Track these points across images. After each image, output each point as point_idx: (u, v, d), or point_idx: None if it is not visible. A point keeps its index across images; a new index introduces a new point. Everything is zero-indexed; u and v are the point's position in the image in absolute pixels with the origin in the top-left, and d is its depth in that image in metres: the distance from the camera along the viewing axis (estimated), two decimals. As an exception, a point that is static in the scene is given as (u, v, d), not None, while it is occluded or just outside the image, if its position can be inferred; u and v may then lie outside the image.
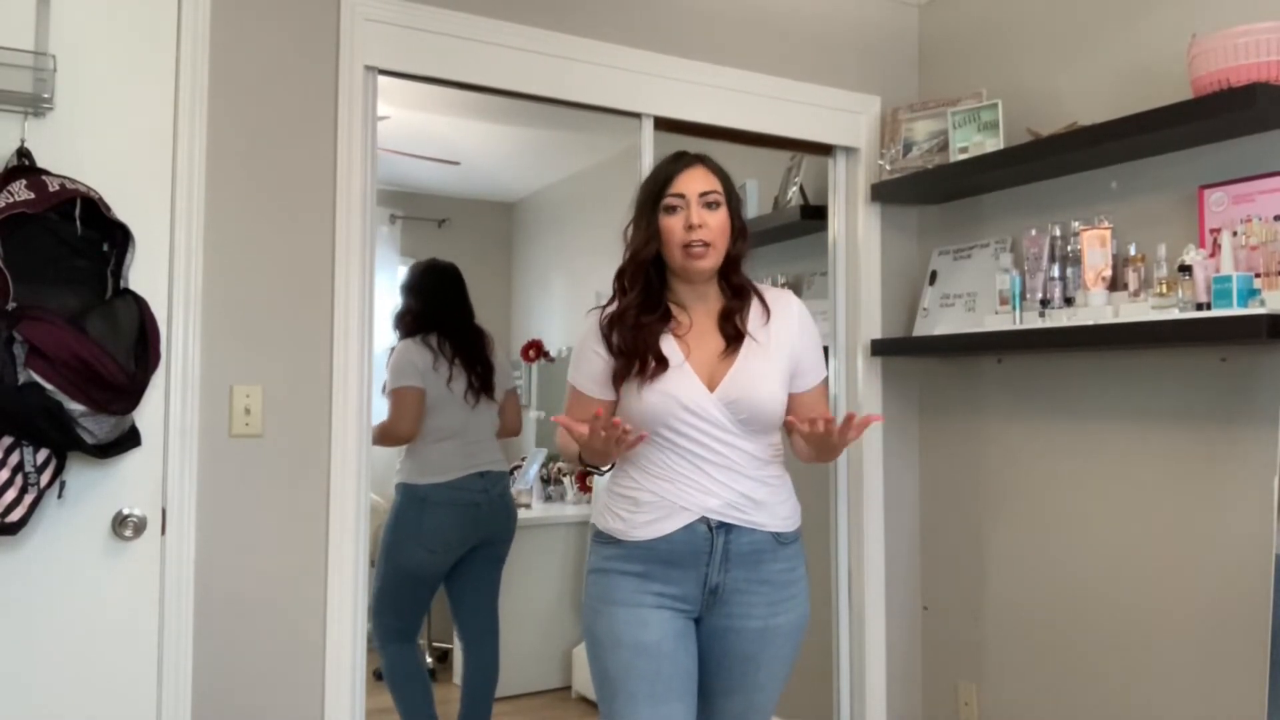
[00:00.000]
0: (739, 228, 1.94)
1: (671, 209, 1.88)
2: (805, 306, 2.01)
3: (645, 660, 1.82)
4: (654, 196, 1.90)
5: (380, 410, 3.06)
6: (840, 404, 3.08)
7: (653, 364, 1.86)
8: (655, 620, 1.84)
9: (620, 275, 1.95)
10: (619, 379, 1.90)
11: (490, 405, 3.23)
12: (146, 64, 2.11)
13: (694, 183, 1.89)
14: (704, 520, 1.85)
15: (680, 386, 1.86)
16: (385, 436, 3.06)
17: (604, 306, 1.96)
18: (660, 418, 1.85)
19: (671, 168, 1.92)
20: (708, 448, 1.86)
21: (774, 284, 2.05)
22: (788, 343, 1.94)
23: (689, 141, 2.73)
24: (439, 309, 3.19)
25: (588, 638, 1.92)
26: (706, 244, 1.87)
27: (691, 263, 1.87)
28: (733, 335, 1.92)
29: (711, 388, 1.87)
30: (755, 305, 1.96)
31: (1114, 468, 2.58)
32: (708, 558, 1.85)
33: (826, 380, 2.04)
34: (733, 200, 1.94)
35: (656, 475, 1.87)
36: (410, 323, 3.20)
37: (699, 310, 1.94)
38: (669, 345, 1.89)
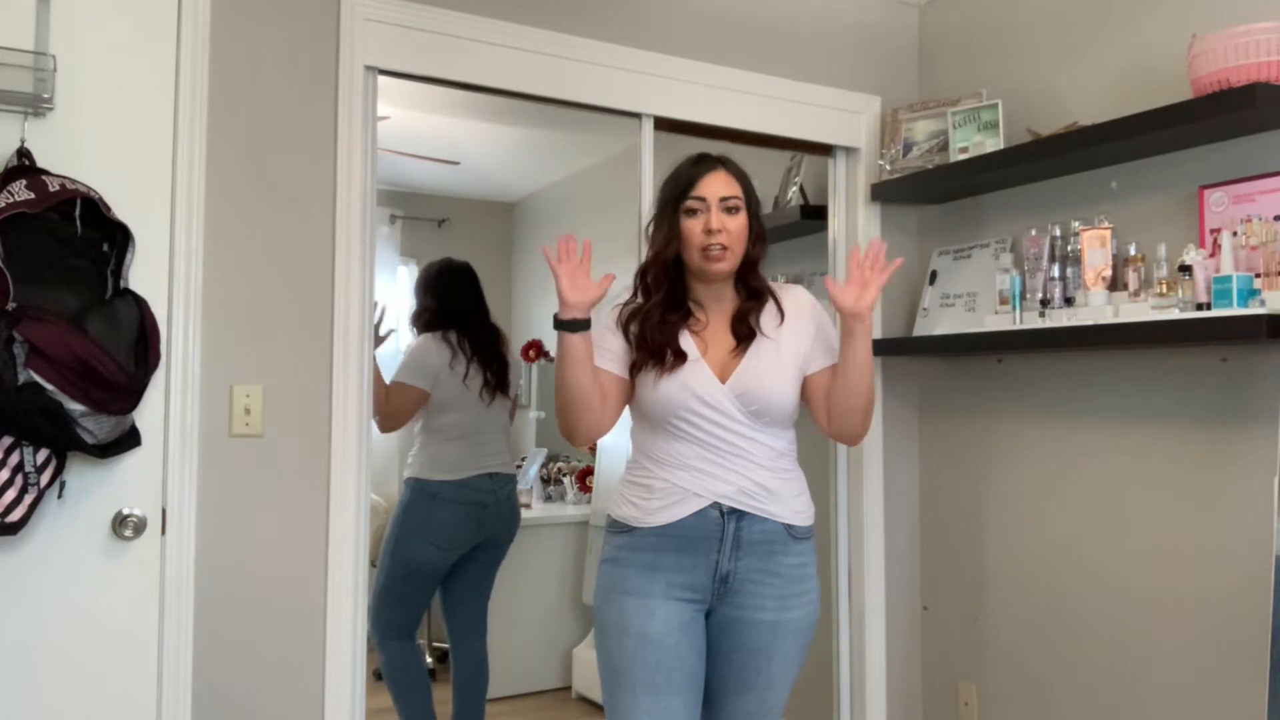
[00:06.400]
0: (757, 231, 1.98)
1: (692, 212, 1.92)
2: (813, 296, 2.06)
3: (649, 651, 1.84)
4: (675, 198, 1.94)
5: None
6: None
7: (671, 358, 1.90)
8: (662, 611, 1.86)
9: (643, 273, 1.99)
10: (636, 370, 1.94)
11: (504, 403, 3.25)
12: (146, 64, 2.11)
13: (715, 186, 1.92)
14: (716, 506, 1.88)
15: (694, 378, 1.90)
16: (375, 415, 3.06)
17: (626, 304, 2.00)
18: (673, 408, 1.89)
19: (693, 170, 1.95)
20: (720, 438, 1.89)
21: (776, 282, 2.06)
22: (802, 339, 1.98)
23: (689, 141, 2.74)
24: (456, 307, 3.21)
25: (597, 626, 1.94)
26: (725, 247, 1.90)
27: (709, 265, 1.91)
28: (745, 334, 1.95)
29: (723, 381, 1.90)
30: (770, 306, 1.99)
31: (1114, 468, 2.58)
32: (719, 544, 1.88)
33: None
34: (752, 204, 1.98)
35: (670, 464, 1.91)
36: (428, 321, 3.22)
37: (715, 309, 1.99)
38: (685, 341, 1.94)
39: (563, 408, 1.92)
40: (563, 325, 1.84)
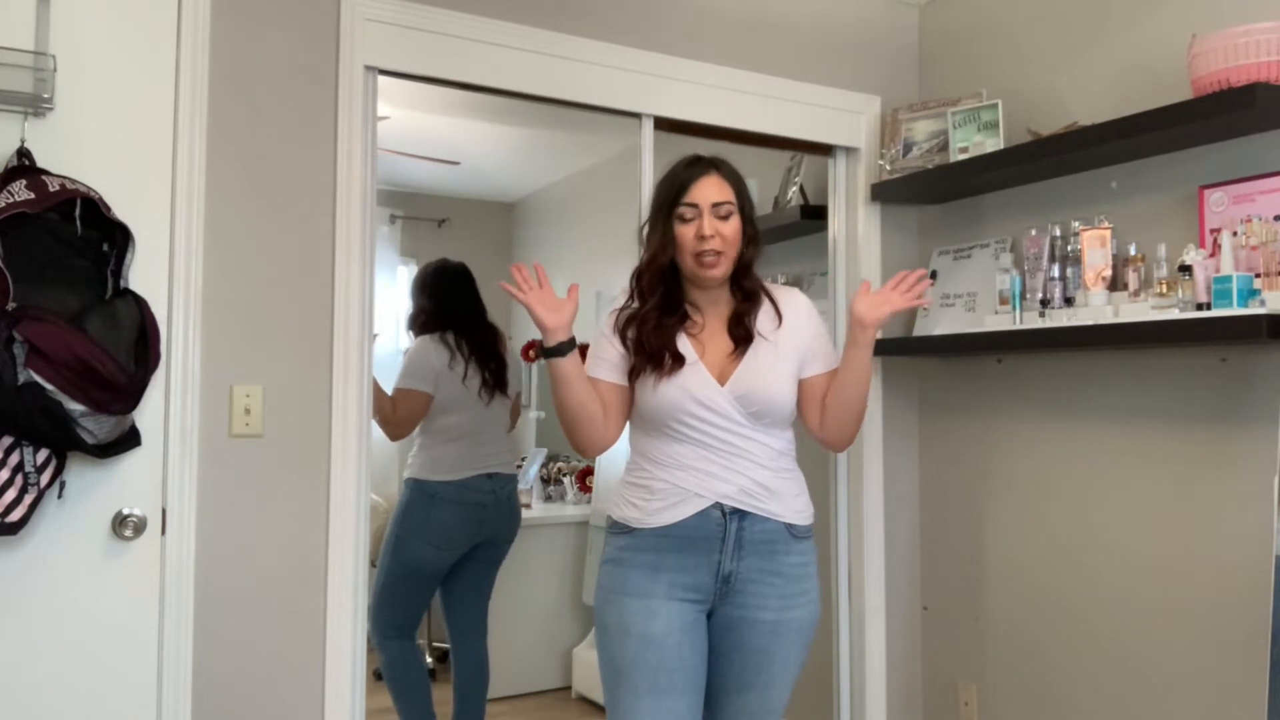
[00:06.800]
0: (750, 234, 1.98)
1: (685, 218, 1.92)
2: (809, 300, 2.07)
3: (651, 651, 1.84)
4: (668, 203, 1.94)
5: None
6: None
7: (669, 361, 1.90)
8: (664, 611, 1.86)
9: (638, 277, 1.99)
10: (635, 374, 1.94)
11: (503, 403, 3.25)
12: (146, 64, 2.11)
13: (707, 192, 1.92)
14: (717, 506, 1.89)
15: (692, 381, 1.90)
16: (380, 425, 3.06)
17: (621, 309, 2.00)
18: (672, 411, 1.90)
19: (686, 175, 1.94)
20: (720, 439, 1.90)
21: (773, 284, 2.07)
22: (798, 341, 1.99)
23: (689, 142, 2.74)
24: (452, 308, 3.22)
25: (598, 627, 1.95)
26: (718, 253, 1.91)
27: (703, 271, 1.92)
28: (742, 337, 1.96)
29: (722, 383, 1.91)
30: (766, 306, 2.00)
31: (1114, 468, 2.58)
32: (720, 544, 1.88)
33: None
34: (746, 207, 1.98)
35: (670, 466, 1.91)
36: (425, 322, 3.23)
37: (711, 312, 1.99)
38: (683, 344, 1.94)
39: (567, 427, 1.94)
40: (551, 352, 1.85)
